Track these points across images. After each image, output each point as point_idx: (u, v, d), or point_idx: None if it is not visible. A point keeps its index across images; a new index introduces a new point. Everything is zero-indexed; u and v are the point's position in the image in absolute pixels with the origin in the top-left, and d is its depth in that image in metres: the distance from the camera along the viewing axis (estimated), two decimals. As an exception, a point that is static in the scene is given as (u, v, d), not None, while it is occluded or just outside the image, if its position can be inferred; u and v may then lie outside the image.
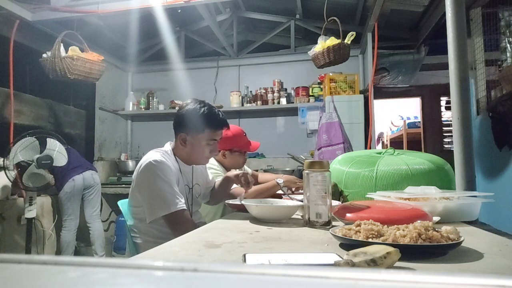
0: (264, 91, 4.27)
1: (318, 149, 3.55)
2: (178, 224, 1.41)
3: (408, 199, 1.11)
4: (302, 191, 1.70)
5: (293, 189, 1.87)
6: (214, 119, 1.57)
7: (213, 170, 2.02)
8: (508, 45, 2.56)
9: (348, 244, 0.75)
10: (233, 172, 1.68)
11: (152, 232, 1.50)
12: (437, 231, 0.72)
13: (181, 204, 1.43)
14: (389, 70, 4.08)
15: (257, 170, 2.94)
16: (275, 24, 4.41)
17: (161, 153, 1.53)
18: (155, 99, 4.57)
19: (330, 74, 3.73)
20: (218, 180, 1.84)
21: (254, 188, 1.67)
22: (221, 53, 4.57)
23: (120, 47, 4.41)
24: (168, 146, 1.64)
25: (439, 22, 3.29)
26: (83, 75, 2.76)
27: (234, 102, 4.33)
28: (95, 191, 3.50)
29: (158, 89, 4.68)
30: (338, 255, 0.68)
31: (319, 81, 4.14)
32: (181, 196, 1.47)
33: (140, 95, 4.65)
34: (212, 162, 2.13)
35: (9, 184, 2.89)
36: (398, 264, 0.62)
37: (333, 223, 1.06)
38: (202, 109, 1.55)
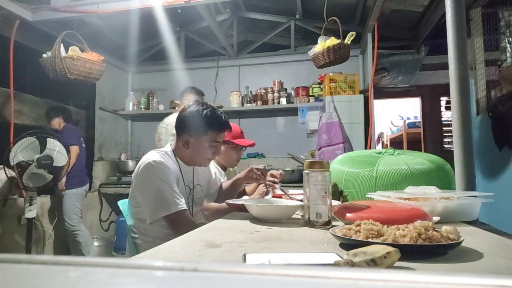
0: (264, 91, 4.27)
1: (318, 149, 3.55)
2: (179, 224, 1.41)
3: (408, 199, 1.11)
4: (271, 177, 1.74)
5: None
6: (217, 121, 1.57)
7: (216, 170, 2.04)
8: (508, 45, 2.56)
9: (348, 244, 0.75)
10: (244, 171, 1.74)
11: (152, 232, 1.50)
12: (437, 231, 0.72)
13: (182, 204, 1.44)
14: (389, 70, 4.07)
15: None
16: (275, 24, 4.41)
17: (160, 154, 1.54)
18: (155, 99, 4.57)
19: (330, 74, 3.72)
20: (226, 180, 1.87)
21: (213, 206, 1.80)
22: (221, 53, 4.57)
23: (120, 47, 4.40)
24: (169, 147, 1.65)
25: (439, 22, 3.28)
26: (83, 75, 2.76)
27: (234, 102, 4.32)
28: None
29: (158, 89, 4.67)
30: (338, 255, 0.68)
31: (319, 81, 4.14)
32: (181, 196, 1.48)
33: (140, 95, 4.65)
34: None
35: (9, 184, 2.89)
36: (398, 264, 0.62)
37: (333, 223, 1.06)
38: (205, 111, 1.56)
